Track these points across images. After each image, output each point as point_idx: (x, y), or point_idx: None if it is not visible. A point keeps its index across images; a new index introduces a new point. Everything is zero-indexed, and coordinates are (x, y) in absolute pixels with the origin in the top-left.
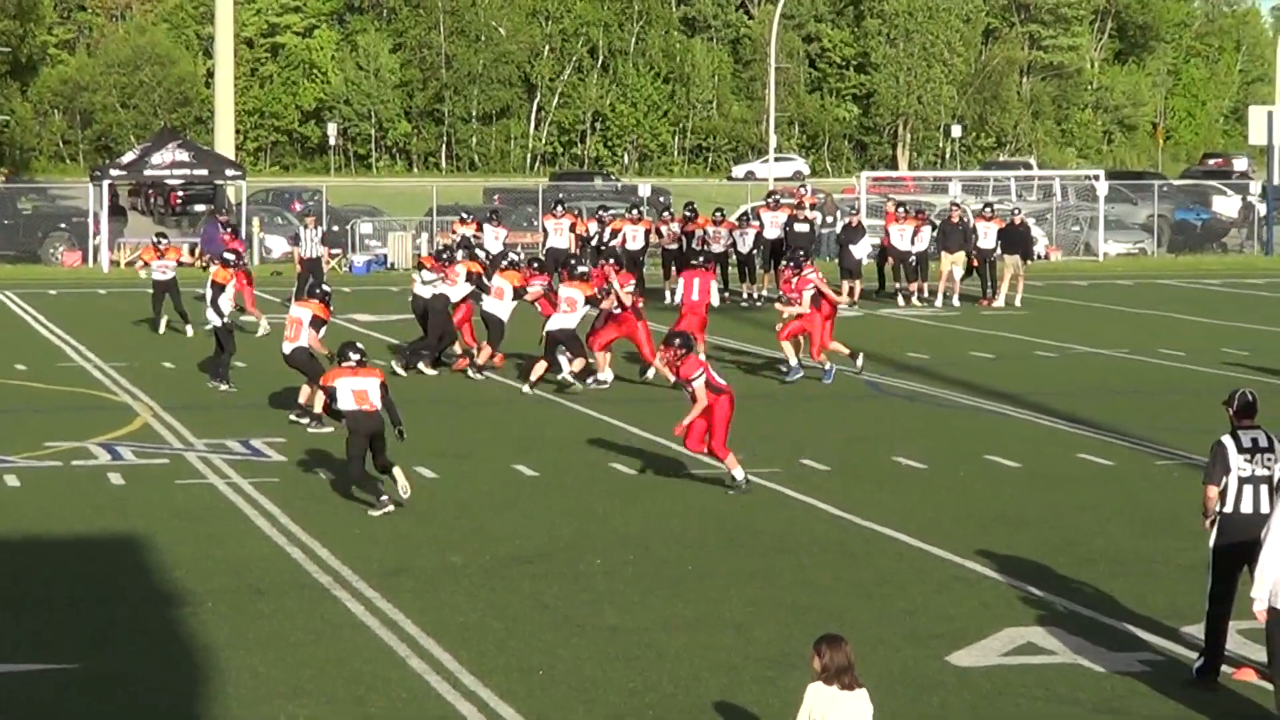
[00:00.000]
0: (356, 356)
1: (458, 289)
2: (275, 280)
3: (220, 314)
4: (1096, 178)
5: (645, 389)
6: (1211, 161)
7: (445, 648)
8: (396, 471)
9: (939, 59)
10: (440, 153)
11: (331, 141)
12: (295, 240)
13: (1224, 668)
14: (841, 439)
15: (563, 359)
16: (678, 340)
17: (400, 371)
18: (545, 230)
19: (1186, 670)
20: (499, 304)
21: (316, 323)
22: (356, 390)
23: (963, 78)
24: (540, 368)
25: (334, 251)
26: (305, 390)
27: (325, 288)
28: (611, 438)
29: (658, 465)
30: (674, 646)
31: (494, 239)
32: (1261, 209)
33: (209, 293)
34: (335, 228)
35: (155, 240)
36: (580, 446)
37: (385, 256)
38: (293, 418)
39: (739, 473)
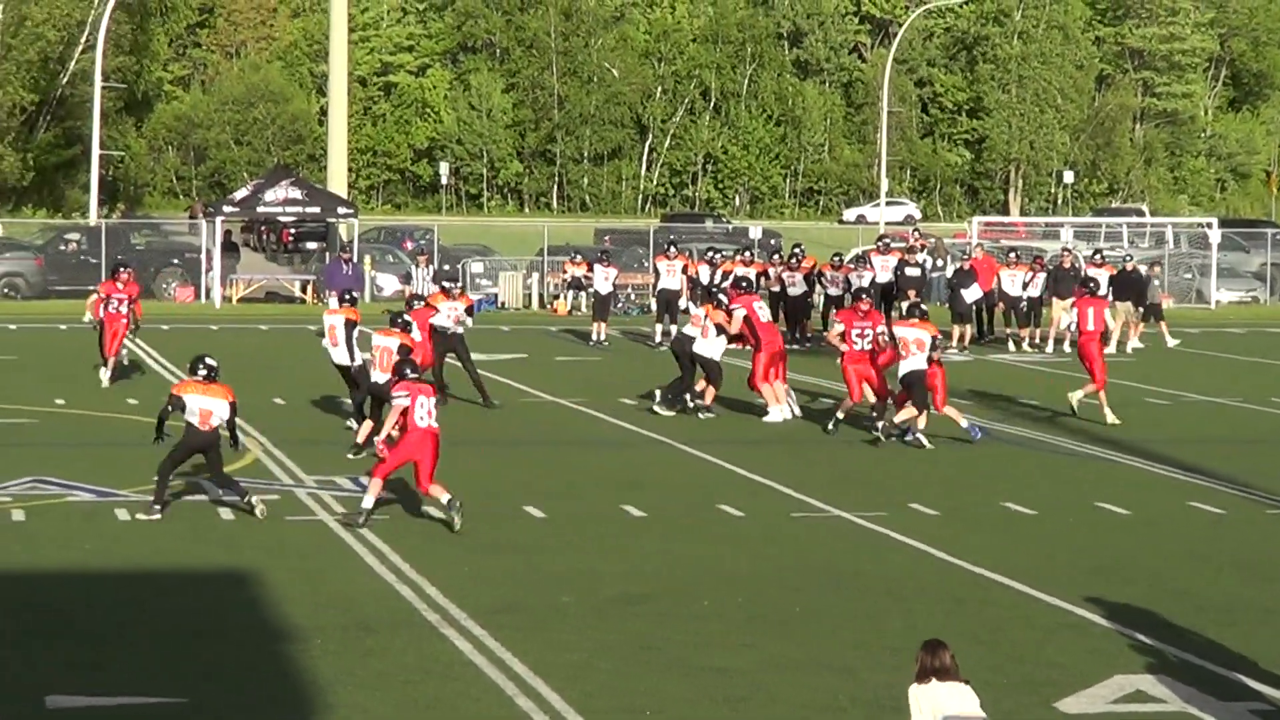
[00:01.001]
0: (205, 372)
1: None
2: (386, 319)
3: (353, 352)
4: (1209, 225)
5: (753, 431)
6: None
7: (553, 687)
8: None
9: (1052, 104)
10: (551, 193)
11: (443, 180)
12: (407, 279)
13: None
14: (950, 484)
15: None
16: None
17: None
18: (657, 271)
19: None
20: (708, 344)
21: (403, 350)
22: (204, 408)
23: (1075, 124)
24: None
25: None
26: (367, 427)
27: (406, 316)
28: (718, 479)
29: (764, 507)
30: (780, 688)
31: (604, 279)
32: None
33: (343, 331)
34: (447, 266)
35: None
36: (687, 487)
37: (496, 296)
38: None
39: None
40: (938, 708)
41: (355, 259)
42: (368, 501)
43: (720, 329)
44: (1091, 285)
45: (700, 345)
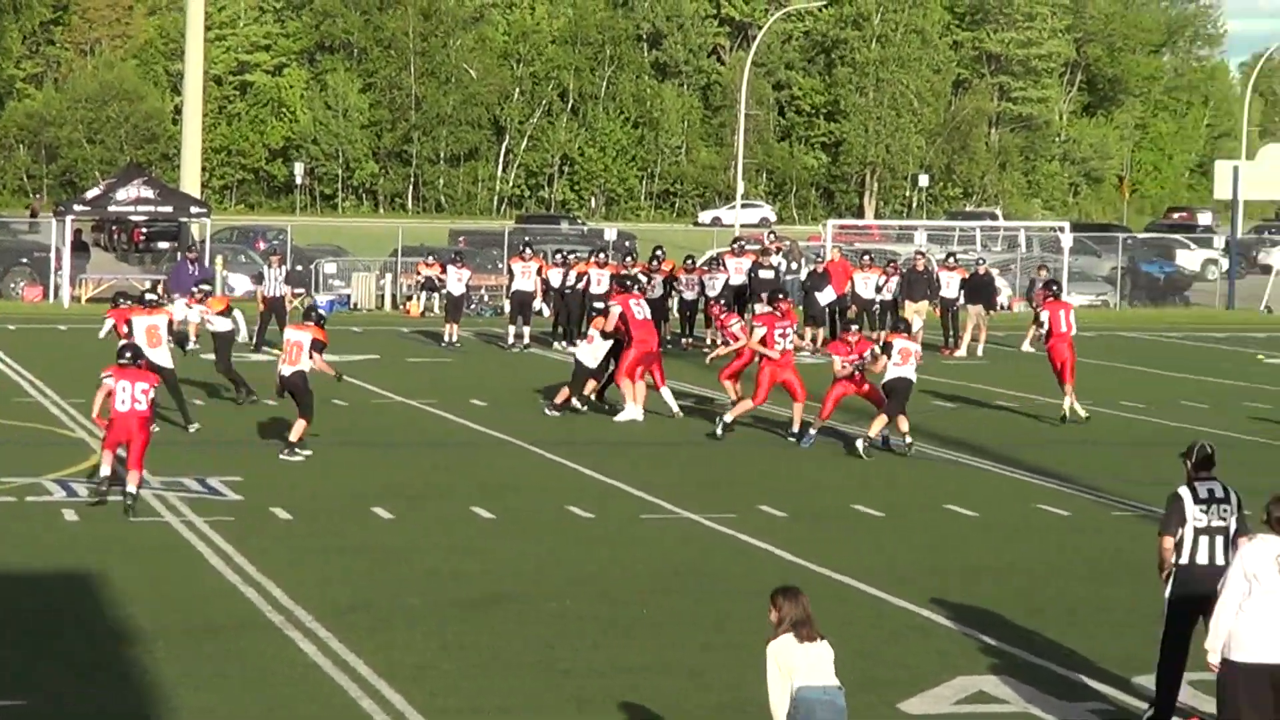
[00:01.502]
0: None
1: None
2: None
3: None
4: (1061, 229)
5: (605, 433)
6: (1176, 215)
7: (397, 688)
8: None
9: (908, 108)
10: (407, 194)
11: (298, 180)
12: (259, 279)
13: (1174, 719)
14: (800, 486)
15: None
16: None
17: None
18: (511, 273)
19: None
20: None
21: (318, 345)
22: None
23: (932, 128)
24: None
25: (297, 291)
26: (300, 426)
27: (321, 310)
28: (568, 481)
29: (614, 509)
30: (626, 690)
31: (457, 281)
32: (1225, 264)
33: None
34: (300, 267)
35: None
36: (537, 489)
37: (349, 296)
38: (284, 456)
39: None
40: (795, 672)
41: (206, 259)
42: (104, 470)
43: (603, 332)
44: (1055, 289)
45: (581, 348)
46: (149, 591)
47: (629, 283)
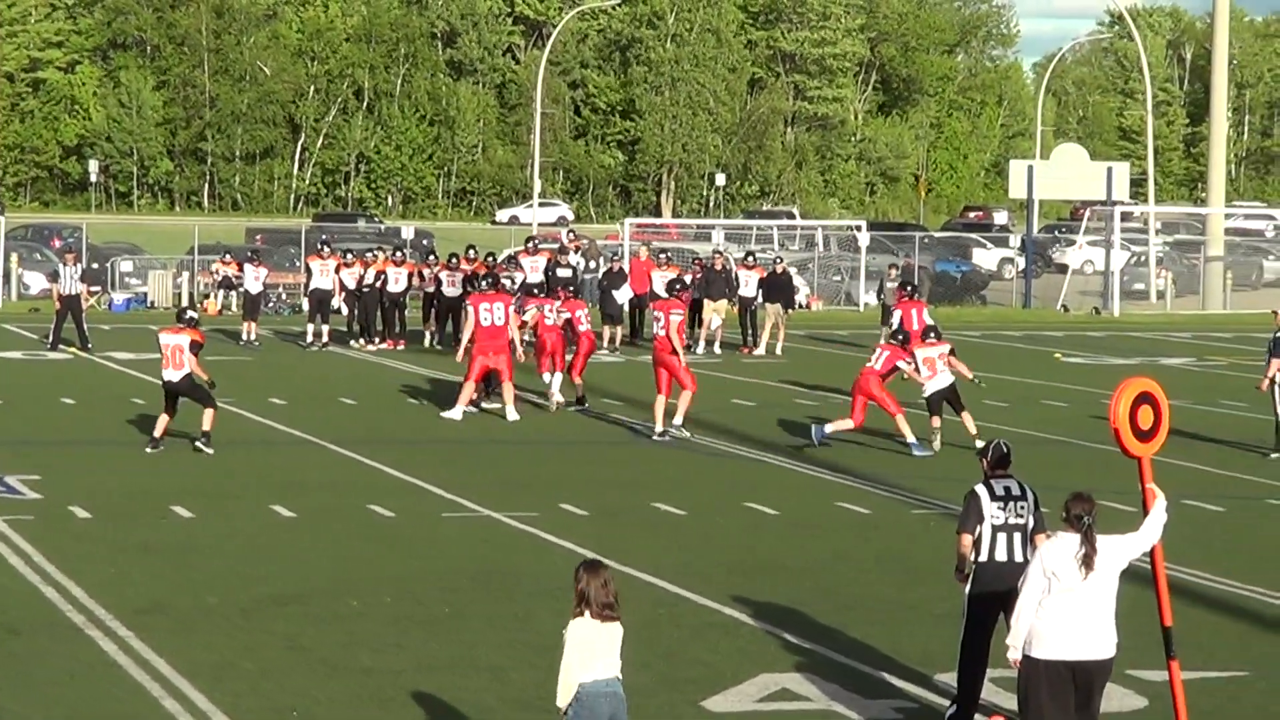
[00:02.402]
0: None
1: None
2: (33, 317)
3: None
4: (859, 228)
5: (406, 431)
6: (972, 214)
7: (198, 688)
8: None
9: (704, 107)
10: (203, 191)
11: (93, 178)
12: (54, 277)
13: (977, 715)
14: (600, 484)
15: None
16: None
17: None
18: (309, 271)
19: (939, 717)
20: None
21: (195, 347)
22: None
23: (727, 126)
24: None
25: (93, 289)
26: (208, 415)
27: (193, 313)
28: (369, 479)
29: (415, 507)
30: (428, 689)
31: (254, 279)
32: (1021, 262)
33: None
34: (95, 265)
35: None
36: (337, 487)
37: (146, 295)
38: (199, 445)
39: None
40: (591, 655)
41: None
42: None
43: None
44: (910, 290)
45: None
46: None
47: (482, 283)
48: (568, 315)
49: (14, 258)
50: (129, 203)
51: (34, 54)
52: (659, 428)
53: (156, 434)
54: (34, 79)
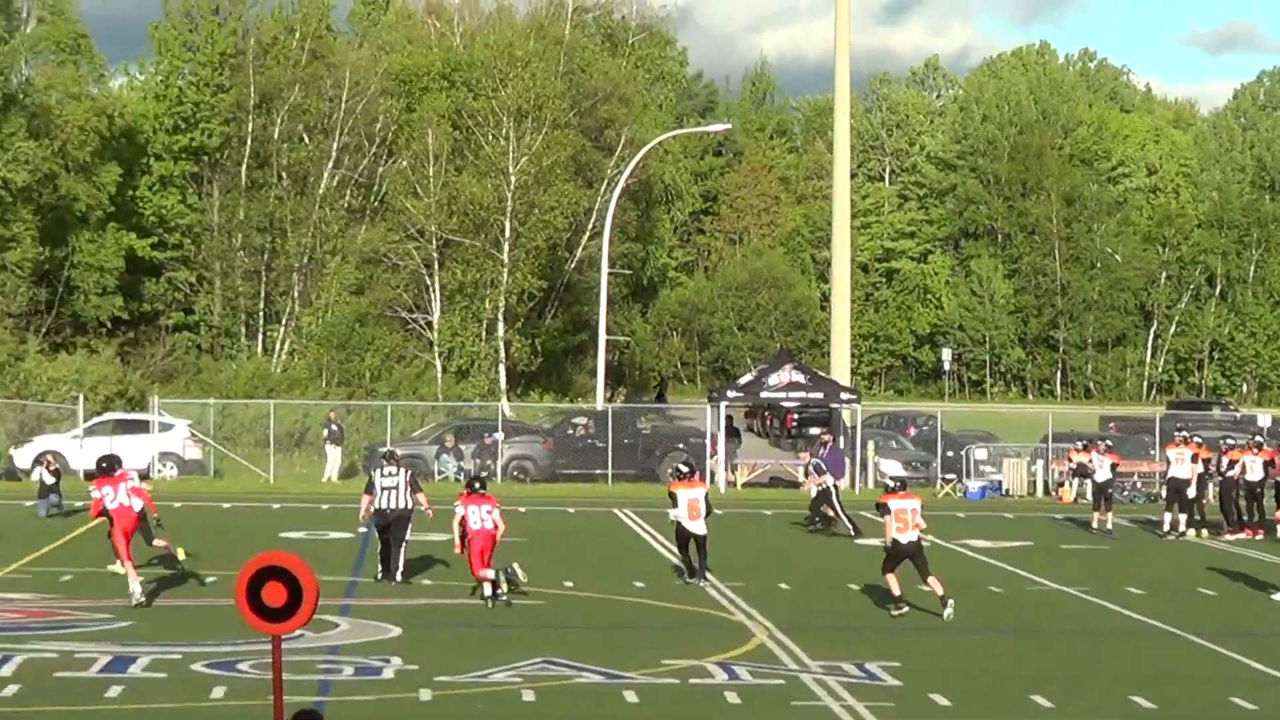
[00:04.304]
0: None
1: None
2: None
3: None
4: None
5: (1270, 625)
6: None
7: None
8: None
9: None
10: (1054, 379)
11: (945, 366)
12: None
13: None
14: None
15: None
16: None
17: None
18: (1168, 460)
19: None
20: None
21: None
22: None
23: None
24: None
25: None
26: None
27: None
28: (1233, 671)
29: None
30: None
31: (1103, 467)
32: None
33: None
34: (950, 453)
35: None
36: (1201, 681)
37: (1000, 482)
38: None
39: None
40: None
41: (843, 442)
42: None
43: None
44: None
45: None
46: None
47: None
48: None
49: (870, 445)
50: (981, 390)
51: (887, 244)
52: None
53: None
54: (888, 269)
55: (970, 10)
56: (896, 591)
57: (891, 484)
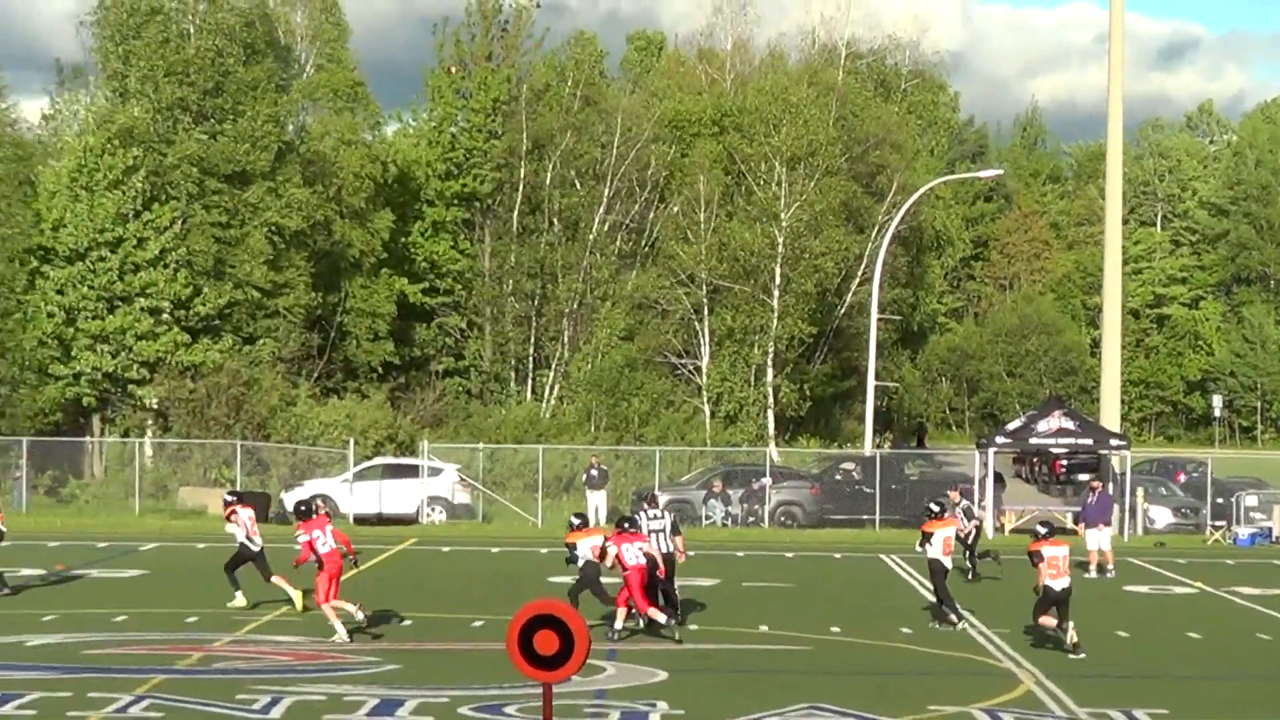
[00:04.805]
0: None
1: None
2: (1158, 551)
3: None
4: None
5: None
6: None
7: None
8: None
9: None
10: None
11: (1216, 413)
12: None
13: None
14: None
15: None
16: None
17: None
18: None
19: None
20: None
21: None
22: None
23: None
24: None
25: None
26: None
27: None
28: None
29: None
30: None
31: None
32: None
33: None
34: (1220, 500)
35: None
36: None
37: (1270, 529)
38: None
39: None
40: None
41: (1112, 489)
42: None
43: None
44: None
45: None
46: None
47: None
48: None
49: (1139, 492)
50: (1252, 437)
51: (1158, 290)
52: None
53: None
54: (1158, 315)
55: (1245, 55)
56: (1052, 624)
57: (1042, 530)
